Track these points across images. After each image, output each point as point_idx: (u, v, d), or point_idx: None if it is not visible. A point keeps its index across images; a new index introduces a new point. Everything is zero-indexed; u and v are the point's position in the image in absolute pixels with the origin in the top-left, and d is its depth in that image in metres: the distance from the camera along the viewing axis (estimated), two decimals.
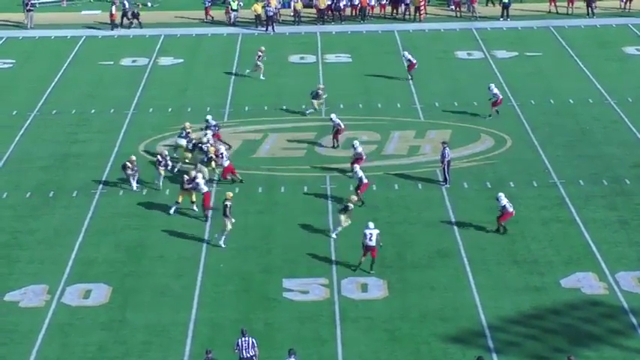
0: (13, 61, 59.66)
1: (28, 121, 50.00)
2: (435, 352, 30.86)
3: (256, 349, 29.52)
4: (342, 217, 37.93)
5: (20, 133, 48.48)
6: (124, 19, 65.56)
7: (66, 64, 58.85)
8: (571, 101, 51.82)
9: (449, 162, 42.06)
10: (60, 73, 57.23)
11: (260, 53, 55.94)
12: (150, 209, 40.36)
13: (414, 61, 54.40)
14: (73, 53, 60.88)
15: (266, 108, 51.63)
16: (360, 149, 43.03)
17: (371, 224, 35.33)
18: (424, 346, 31.14)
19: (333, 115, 46.64)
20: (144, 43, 62.82)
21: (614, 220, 39.13)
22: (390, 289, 34.48)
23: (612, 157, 44.88)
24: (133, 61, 59.46)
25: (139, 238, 38.16)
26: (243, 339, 29.58)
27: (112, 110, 51.38)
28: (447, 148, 42.22)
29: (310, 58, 59.84)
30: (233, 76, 56.48)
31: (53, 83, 55.59)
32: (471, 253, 36.70)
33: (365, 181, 40.41)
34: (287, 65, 58.73)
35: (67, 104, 52.30)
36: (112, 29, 64.90)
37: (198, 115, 49.58)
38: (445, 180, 42.06)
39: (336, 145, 45.98)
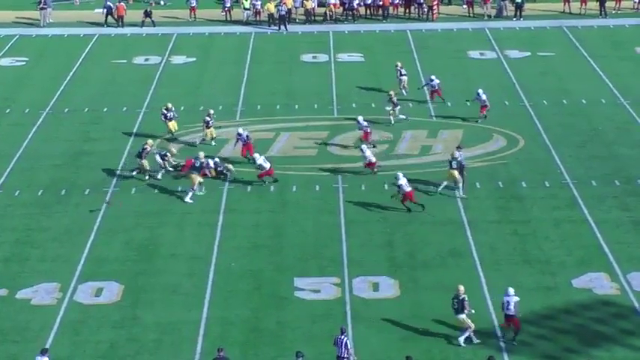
0: (27, 58, 59.82)
1: (41, 119, 50.12)
2: (447, 351, 30.81)
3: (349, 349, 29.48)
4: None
5: (33, 130, 48.60)
6: (109, 17, 65.67)
7: (79, 62, 58.98)
8: (584, 101, 51.71)
9: (463, 166, 41.92)
10: (73, 71, 57.35)
11: None
12: (162, 208, 40.39)
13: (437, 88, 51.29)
14: (86, 51, 61.02)
15: (278, 107, 51.65)
16: (367, 153, 42.85)
17: (511, 290, 31.31)
18: (435, 345, 31.10)
19: (360, 118, 46.26)
20: (156, 41, 62.92)
21: (626, 220, 39.02)
22: (402, 289, 34.45)
23: (625, 157, 44.77)
24: (146, 60, 59.54)
25: (150, 236, 38.20)
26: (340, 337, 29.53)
27: (124, 109, 51.47)
28: (461, 153, 41.94)
29: (323, 57, 59.84)
30: (245, 75, 56.50)
31: (66, 81, 55.71)
32: (483, 252, 36.64)
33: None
34: (299, 64, 58.74)
35: (80, 102, 52.41)
36: (118, 25, 65.17)
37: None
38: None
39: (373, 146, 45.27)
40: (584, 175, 42.92)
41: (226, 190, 41.80)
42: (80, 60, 59.40)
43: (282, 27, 65.20)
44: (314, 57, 59.97)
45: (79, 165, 44.54)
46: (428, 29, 65.04)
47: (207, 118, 46.33)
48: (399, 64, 53.30)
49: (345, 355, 29.35)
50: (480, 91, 49.10)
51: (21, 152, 46.06)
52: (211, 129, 46.29)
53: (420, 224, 38.81)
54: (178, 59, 59.74)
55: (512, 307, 30.90)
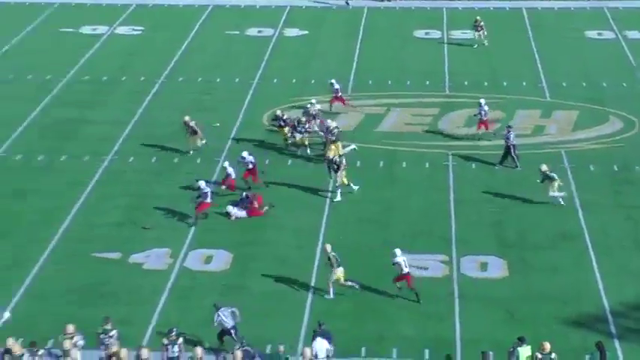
0: (143, 28, 60.62)
1: (156, 88, 50.78)
2: (555, 334, 30.36)
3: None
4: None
5: (148, 99, 49.28)
6: None
7: (193, 33, 59.57)
8: None
9: (514, 146, 41.29)
10: (187, 41, 57.94)
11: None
12: (272, 179, 40.62)
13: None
14: (200, 22, 61.57)
15: (390, 82, 51.48)
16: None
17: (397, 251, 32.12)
18: (543, 328, 30.71)
19: (482, 100, 44.59)
20: (270, 13, 63.16)
21: None
22: (511, 270, 34.13)
23: None
24: (259, 32, 59.86)
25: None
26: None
27: (236, 79, 51.84)
28: (512, 132, 41.40)
29: (435, 34, 59.42)
30: (357, 50, 56.41)
31: (180, 51, 56.31)
32: (595, 236, 36.05)
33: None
34: (412, 40, 58.42)
35: (194, 72, 52.94)
36: None
37: (321, 87, 49.75)
38: (515, 164, 41.25)
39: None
40: None
41: None
42: (195, 30, 59.98)
43: (395, 1, 64.78)
44: (426, 33, 59.57)
45: None
46: (544, 7, 64.04)
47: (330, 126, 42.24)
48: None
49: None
50: (482, 101, 44.44)
51: (136, 120, 46.75)
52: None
53: (530, 205, 38.32)
54: (291, 32, 59.91)
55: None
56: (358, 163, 41.86)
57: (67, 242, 35.79)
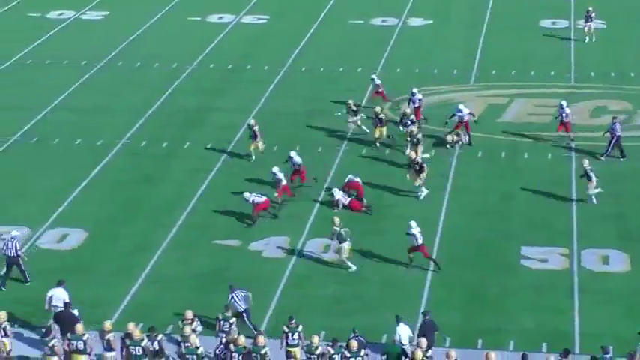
0: (267, 16, 61.17)
1: (278, 77, 51.22)
2: None
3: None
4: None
5: (270, 88, 49.75)
6: None
7: (318, 21, 59.87)
8: None
9: (619, 137, 40.32)
10: (311, 31, 58.26)
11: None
12: (390, 169, 40.61)
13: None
14: (325, 11, 61.82)
15: (513, 72, 50.93)
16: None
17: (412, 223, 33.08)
18: None
19: (563, 102, 42.47)
20: (394, 3, 63.00)
21: None
22: (633, 263, 33.50)
23: None
24: (383, 21, 59.83)
25: (377, 195, 38.49)
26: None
27: (359, 69, 51.94)
28: (618, 124, 40.41)
29: (562, 23, 58.50)
30: (481, 39, 55.96)
31: (304, 41, 56.65)
32: None
33: None
34: (537, 29, 57.66)
35: (317, 61, 53.22)
36: None
37: (443, 76, 49.54)
38: (622, 155, 40.54)
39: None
40: None
41: (456, 154, 41.65)
42: (319, 20, 60.27)
43: None
44: (553, 23, 58.71)
45: (312, 123, 45.22)
46: None
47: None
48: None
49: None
50: (564, 103, 42.70)
51: (259, 108, 47.24)
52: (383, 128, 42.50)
53: None
54: (415, 21, 59.73)
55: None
56: (480, 154, 41.58)
57: (189, 229, 36.44)
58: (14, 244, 32.40)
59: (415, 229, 33.17)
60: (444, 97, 47.44)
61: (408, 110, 42.95)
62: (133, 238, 35.82)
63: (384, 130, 42.30)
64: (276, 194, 37.59)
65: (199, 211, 37.75)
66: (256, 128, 41.64)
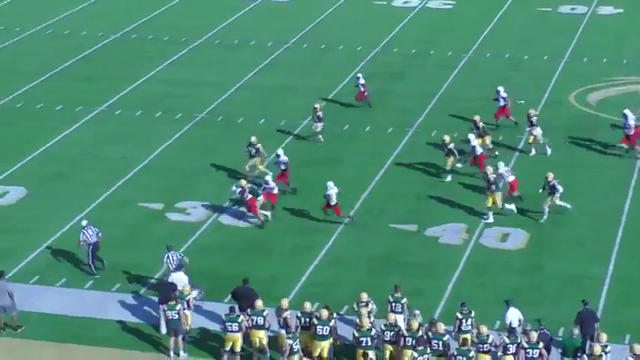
0: (454, 2, 60.66)
1: (462, 62, 50.79)
2: None
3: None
4: None
5: (454, 73, 49.38)
6: None
7: (505, 7, 59.07)
8: None
9: None
10: (498, 16, 57.55)
11: None
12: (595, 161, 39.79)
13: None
14: None
15: None
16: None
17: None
18: None
19: (626, 111, 40.12)
20: None
21: None
22: None
23: None
24: (572, 9, 58.59)
25: (567, 185, 37.70)
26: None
27: (545, 57, 51.03)
28: None
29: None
30: None
31: (490, 26, 56.02)
32: None
33: None
34: None
35: (502, 48, 52.54)
36: None
37: (634, 67, 48.20)
38: None
39: None
40: None
41: None
42: (507, 5, 59.45)
43: None
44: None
45: (493, 109, 44.55)
46: None
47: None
48: None
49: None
50: (627, 112, 40.18)
51: (441, 94, 46.95)
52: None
53: None
54: (605, 10, 58.26)
55: None
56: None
57: (366, 212, 36.55)
58: (94, 231, 32.41)
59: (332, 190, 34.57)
60: (633, 89, 46.10)
61: (533, 111, 41.03)
62: (309, 219, 36.13)
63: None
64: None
65: (377, 194, 37.83)
66: (320, 114, 41.38)
